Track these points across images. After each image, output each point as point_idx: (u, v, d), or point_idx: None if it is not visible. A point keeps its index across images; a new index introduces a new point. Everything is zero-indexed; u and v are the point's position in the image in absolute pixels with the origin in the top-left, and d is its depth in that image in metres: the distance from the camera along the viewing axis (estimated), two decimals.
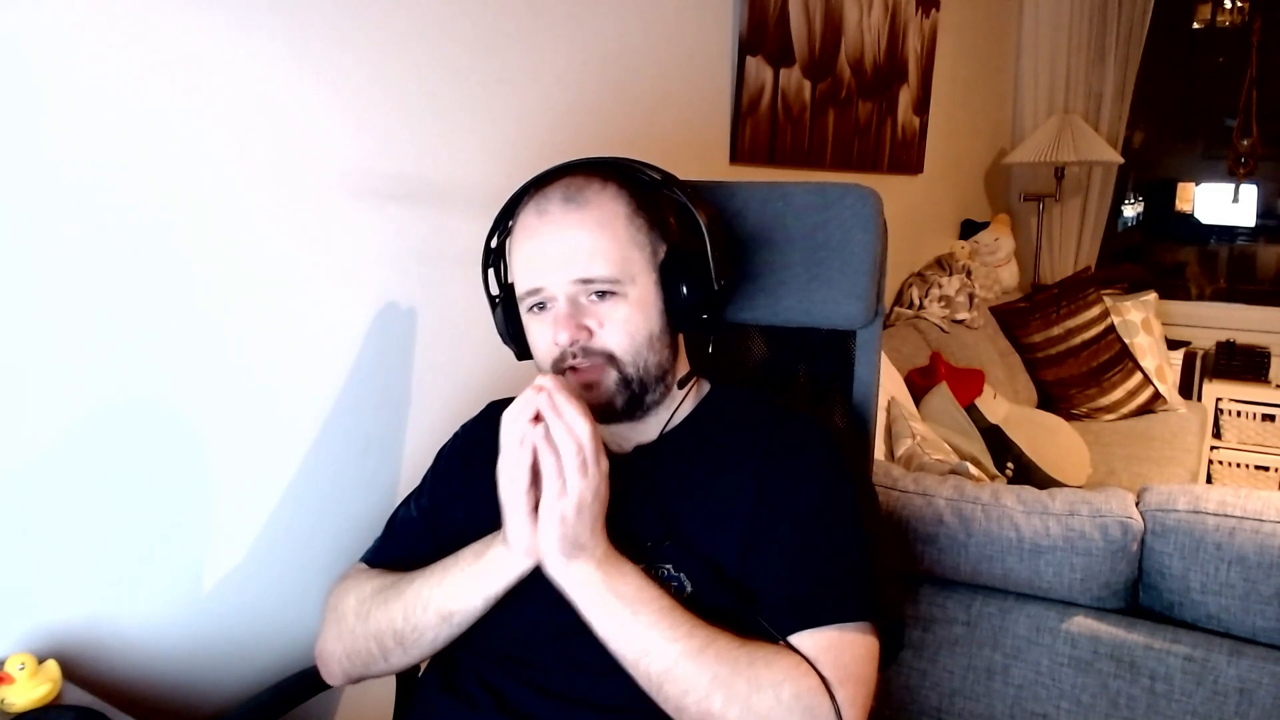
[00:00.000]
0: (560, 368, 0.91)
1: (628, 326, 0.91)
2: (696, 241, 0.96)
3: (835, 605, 0.85)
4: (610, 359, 0.91)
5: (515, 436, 0.82)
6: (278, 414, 1.15)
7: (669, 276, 0.94)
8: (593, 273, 0.90)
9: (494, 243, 1.02)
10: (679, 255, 0.95)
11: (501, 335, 1.02)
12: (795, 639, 0.83)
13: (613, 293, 0.91)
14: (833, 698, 0.79)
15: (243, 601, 1.14)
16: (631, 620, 0.82)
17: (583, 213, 0.91)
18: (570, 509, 0.81)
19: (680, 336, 1.00)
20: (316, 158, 1.14)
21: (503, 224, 1.00)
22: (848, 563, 0.89)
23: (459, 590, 0.89)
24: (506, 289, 1.01)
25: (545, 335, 0.92)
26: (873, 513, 0.98)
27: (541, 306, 0.93)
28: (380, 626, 0.93)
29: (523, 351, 1.00)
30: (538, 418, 0.82)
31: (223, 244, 1.05)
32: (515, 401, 0.83)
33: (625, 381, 0.92)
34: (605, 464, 0.84)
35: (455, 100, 1.33)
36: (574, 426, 0.81)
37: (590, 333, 0.91)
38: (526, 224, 0.93)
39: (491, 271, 1.04)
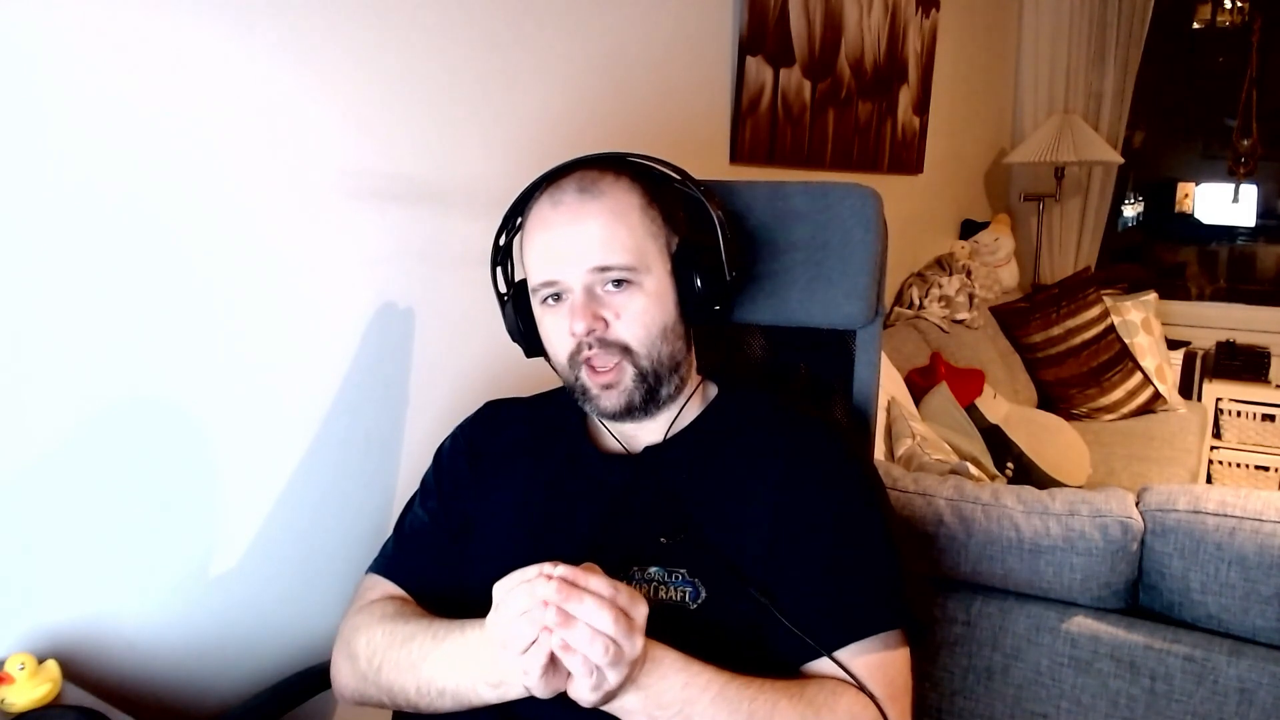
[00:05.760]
0: (577, 360, 0.92)
1: (644, 318, 0.91)
2: (707, 235, 0.97)
3: (871, 616, 0.86)
4: (625, 351, 0.91)
5: (527, 633, 0.71)
6: (278, 413, 1.15)
7: (682, 267, 0.94)
8: (609, 260, 0.90)
9: (502, 240, 1.02)
10: (692, 247, 0.95)
11: (511, 332, 1.02)
12: (842, 656, 0.84)
13: (628, 282, 0.91)
14: None
15: (243, 601, 1.14)
16: None
17: (598, 202, 0.91)
18: (612, 684, 0.72)
19: (691, 334, 1.00)
20: (316, 158, 1.14)
21: (512, 221, 1.00)
22: (878, 570, 0.89)
23: (475, 687, 0.82)
24: (516, 285, 1.01)
25: (561, 327, 0.92)
26: (890, 513, 0.98)
27: (557, 299, 0.93)
28: (393, 687, 0.88)
29: (532, 348, 1.00)
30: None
31: (223, 244, 1.05)
32: (514, 591, 0.72)
33: (641, 375, 0.92)
34: (643, 609, 0.73)
35: (455, 100, 1.33)
36: (595, 622, 0.70)
37: (606, 323, 0.91)
38: (541, 215, 0.93)
39: (499, 270, 1.03)
